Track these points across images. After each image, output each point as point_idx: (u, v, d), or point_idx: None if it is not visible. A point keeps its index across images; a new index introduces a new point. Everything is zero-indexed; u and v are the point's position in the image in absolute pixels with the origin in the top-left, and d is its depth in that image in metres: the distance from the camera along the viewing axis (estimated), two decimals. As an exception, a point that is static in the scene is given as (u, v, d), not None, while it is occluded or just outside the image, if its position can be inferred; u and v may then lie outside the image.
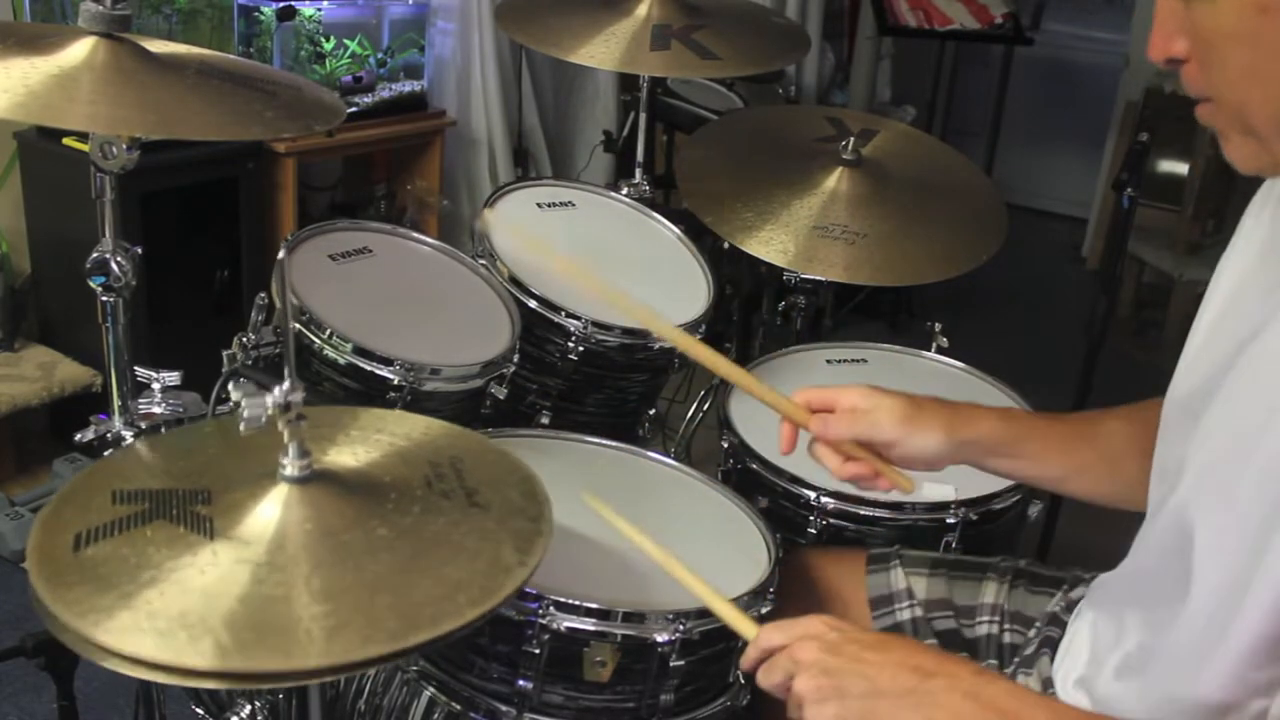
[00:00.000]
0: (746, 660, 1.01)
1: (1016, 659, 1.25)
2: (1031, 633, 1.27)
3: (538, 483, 1.06)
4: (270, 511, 0.94)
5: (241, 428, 0.93)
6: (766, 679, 0.97)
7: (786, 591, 1.30)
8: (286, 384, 0.93)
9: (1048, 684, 1.15)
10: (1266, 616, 0.85)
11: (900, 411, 1.16)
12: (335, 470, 1.01)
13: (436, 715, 1.25)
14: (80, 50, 1.21)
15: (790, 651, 0.96)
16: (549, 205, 1.88)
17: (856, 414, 1.16)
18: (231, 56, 1.41)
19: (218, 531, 0.92)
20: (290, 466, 0.95)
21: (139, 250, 1.34)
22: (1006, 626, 1.30)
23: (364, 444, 1.07)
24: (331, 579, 0.88)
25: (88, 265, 1.32)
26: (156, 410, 1.39)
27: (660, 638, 1.19)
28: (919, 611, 1.33)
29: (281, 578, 0.88)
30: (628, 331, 1.65)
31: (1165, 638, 0.97)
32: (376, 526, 0.95)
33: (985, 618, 1.31)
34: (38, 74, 1.15)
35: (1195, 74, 0.88)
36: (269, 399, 0.93)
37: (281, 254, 1.08)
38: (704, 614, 1.21)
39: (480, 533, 0.97)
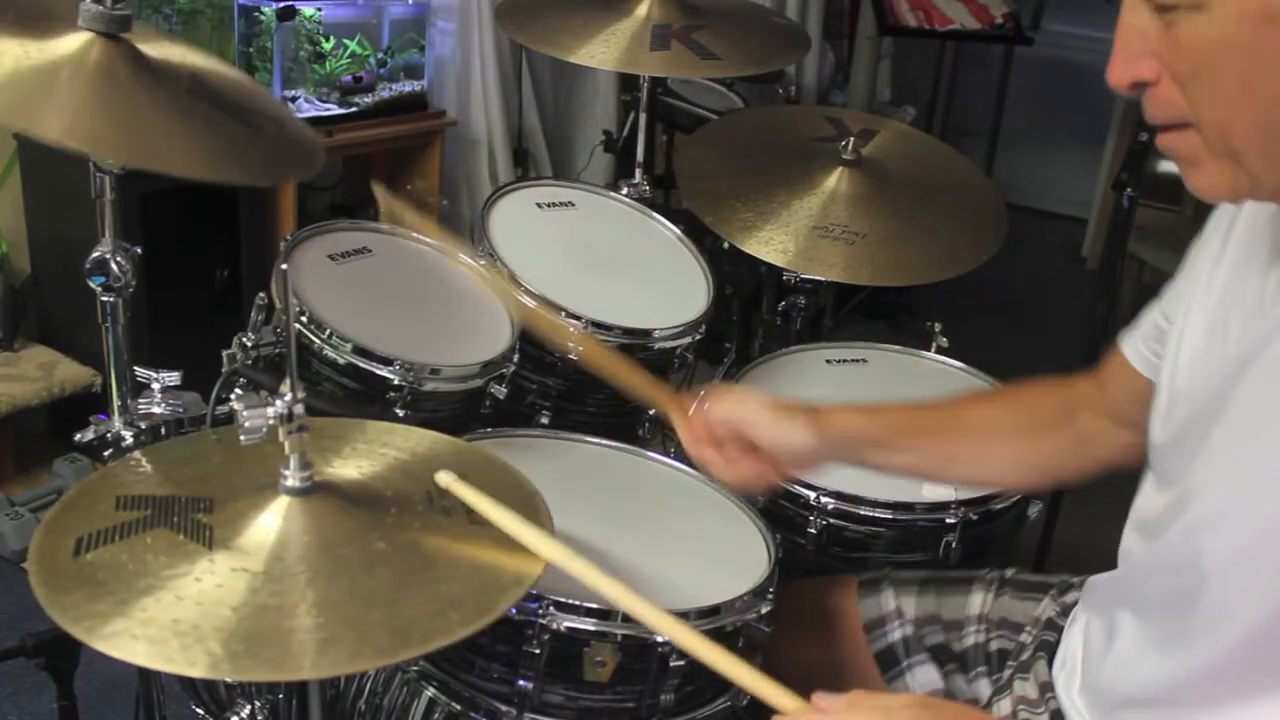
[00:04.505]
0: None
1: (1010, 664, 1.25)
2: (1023, 637, 1.27)
3: (539, 500, 1.06)
4: (270, 522, 0.94)
5: (242, 439, 0.93)
6: None
7: (783, 621, 1.29)
8: (289, 395, 0.93)
9: (1045, 688, 1.15)
10: None
11: (767, 404, 1.21)
12: (337, 482, 1.00)
13: (436, 715, 1.25)
14: (71, 44, 1.14)
15: None
16: (549, 205, 1.88)
17: (730, 411, 1.23)
18: (228, 71, 1.35)
19: (217, 540, 0.92)
20: (291, 478, 0.95)
21: (139, 250, 1.33)
22: (993, 634, 1.30)
23: (368, 457, 1.07)
24: (326, 592, 0.88)
25: (88, 265, 1.31)
26: (156, 410, 1.38)
27: (660, 638, 1.18)
28: (909, 630, 1.33)
29: (277, 589, 0.88)
30: (628, 332, 1.65)
31: (1160, 652, 0.97)
32: (375, 540, 0.94)
33: (972, 628, 1.31)
34: (24, 69, 1.09)
35: (1168, 97, 0.83)
36: (270, 410, 0.93)
37: (281, 260, 1.07)
38: (704, 614, 1.21)
39: (478, 550, 0.97)
